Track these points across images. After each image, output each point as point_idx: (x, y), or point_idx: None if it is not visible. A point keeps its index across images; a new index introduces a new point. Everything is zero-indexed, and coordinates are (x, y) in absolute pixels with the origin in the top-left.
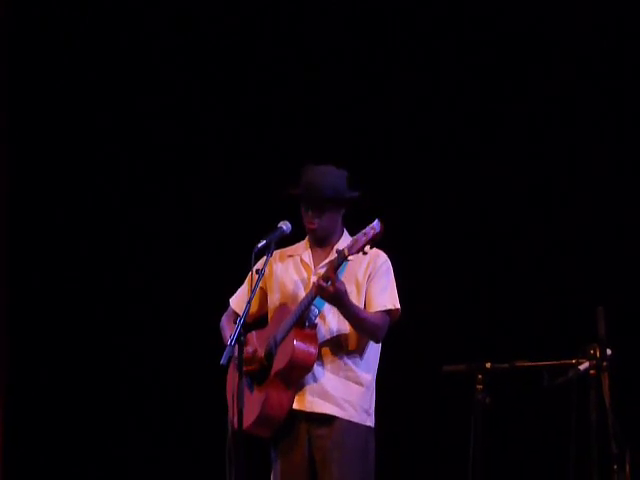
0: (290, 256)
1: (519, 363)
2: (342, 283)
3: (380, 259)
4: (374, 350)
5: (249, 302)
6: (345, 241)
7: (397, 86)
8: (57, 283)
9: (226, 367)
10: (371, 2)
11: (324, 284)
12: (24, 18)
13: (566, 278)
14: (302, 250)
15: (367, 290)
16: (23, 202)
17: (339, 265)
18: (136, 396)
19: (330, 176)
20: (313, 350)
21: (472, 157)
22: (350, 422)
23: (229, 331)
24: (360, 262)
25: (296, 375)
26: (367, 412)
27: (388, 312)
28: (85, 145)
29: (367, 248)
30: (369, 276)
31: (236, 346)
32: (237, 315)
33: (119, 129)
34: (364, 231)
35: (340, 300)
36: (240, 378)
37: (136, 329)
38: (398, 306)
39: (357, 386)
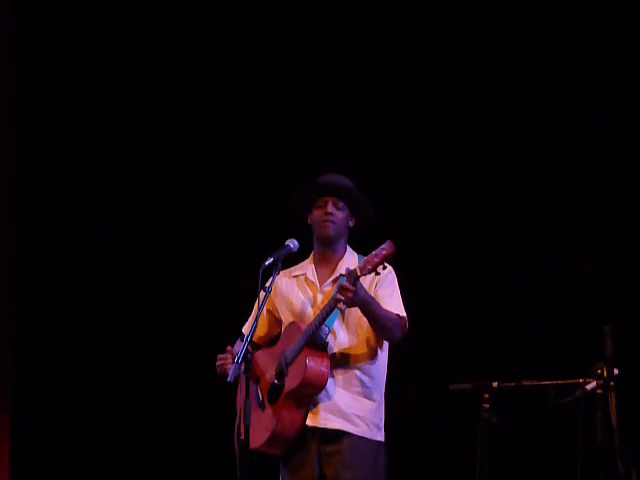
0: (295, 276)
1: (526, 382)
2: (360, 284)
3: (385, 270)
4: (383, 366)
5: (257, 319)
6: (350, 258)
7: (402, 97)
8: (63, 284)
9: (234, 385)
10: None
11: (345, 289)
12: (29, 16)
13: (573, 297)
14: (306, 268)
15: (376, 296)
16: (29, 201)
17: (353, 284)
18: (143, 413)
19: (344, 178)
20: (325, 370)
21: (476, 178)
22: (362, 438)
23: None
24: (365, 277)
25: (308, 394)
26: (378, 427)
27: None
28: (88, 150)
29: (380, 268)
30: (375, 285)
31: (243, 364)
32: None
33: (120, 135)
34: (375, 252)
35: (362, 298)
36: (247, 396)
37: (142, 344)
38: (404, 314)
39: (369, 402)
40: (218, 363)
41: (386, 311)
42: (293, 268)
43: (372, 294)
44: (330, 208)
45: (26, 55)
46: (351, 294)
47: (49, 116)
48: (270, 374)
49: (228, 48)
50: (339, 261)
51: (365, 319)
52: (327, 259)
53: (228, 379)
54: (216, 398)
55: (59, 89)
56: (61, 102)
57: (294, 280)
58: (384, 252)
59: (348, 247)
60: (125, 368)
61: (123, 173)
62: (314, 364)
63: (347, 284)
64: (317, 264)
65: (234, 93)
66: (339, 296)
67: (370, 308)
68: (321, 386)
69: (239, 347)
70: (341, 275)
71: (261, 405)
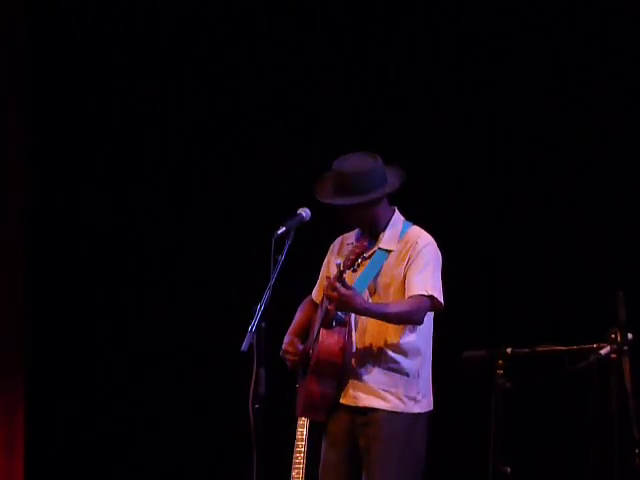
0: (348, 244)
1: (540, 348)
2: (349, 287)
3: (421, 243)
4: (421, 338)
5: (269, 288)
6: (392, 229)
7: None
8: (75, 275)
9: (248, 354)
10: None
11: (330, 293)
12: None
13: (586, 262)
14: (354, 238)
15: (405, 275)
16: (42, 196)
17: (340, 277)
18: (156, 383)
19: (356, 178)
20: (339, 347)
21: (494, 140)
22: (393, 412)
23: (297, 318)
24: (400, 251)
25: (327, 372)
26: (414, 399)
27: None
28: (98, 141)
29: (356, 266)
30: (409, 259)
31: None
32: (313, 302)
33: (126, 132)
34: (351, 249)
35: (350, 305)
36: (258, 365)
37: (155, 316)
38: (431, 292)
39: (401, 376)
40: (287, 357)
41: (390, 306)
42: (349, 234)
43: (404, 269)
44: (346, 219)
45: (36, 54)
46: (336, 294)
47: (61, 110)
48: (309, 345)
49: (229, 47)
50: (383, 230)
51: (393, 292)
52: (370, 232)
53: (242, 348)
54: (231, 368)
55: (70, 86)
56: (70, 98)
57: (346, 248)
58: (357, 250)
59: (395, 213)
60: (139, 352)
61: (129, 170)
62: (327, 343)
63: (333, 282)
64: (362, 234)
65: (235, 73)
66: (328, 293)
67: (364, 313)
68: (337, 363)
69: (300, 309)
70: (379, 248)
71: (302, 376)
